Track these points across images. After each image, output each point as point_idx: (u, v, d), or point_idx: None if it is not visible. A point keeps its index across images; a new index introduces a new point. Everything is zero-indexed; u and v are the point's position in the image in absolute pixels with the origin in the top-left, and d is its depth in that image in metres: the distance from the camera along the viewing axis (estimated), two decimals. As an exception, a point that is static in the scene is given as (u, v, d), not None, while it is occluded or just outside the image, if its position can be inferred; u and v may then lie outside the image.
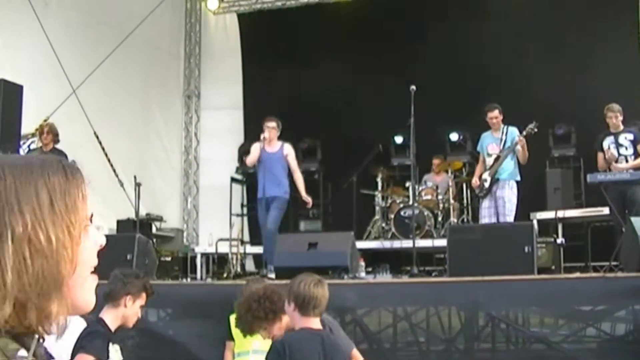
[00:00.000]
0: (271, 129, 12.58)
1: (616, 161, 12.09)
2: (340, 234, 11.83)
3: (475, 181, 12.80)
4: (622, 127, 12.23)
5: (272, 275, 11.38)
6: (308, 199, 12.85)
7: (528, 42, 16.36)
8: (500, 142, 12.49)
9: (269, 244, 12.11)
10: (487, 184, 12.46)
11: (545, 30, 16.36)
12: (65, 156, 12.51)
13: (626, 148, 12.12)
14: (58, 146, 12.59)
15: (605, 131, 12.37)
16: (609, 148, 12.13)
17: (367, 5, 17.57)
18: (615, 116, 12.15)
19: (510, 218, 12.17)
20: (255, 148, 12.68)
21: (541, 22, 16.48)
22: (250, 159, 12.74)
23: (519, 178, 12.52)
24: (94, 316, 5.43)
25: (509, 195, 12.32)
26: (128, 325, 5.63)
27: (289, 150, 12.78)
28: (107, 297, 5.45)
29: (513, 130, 12.47)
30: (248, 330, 5.63)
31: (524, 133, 12.24)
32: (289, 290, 5.32)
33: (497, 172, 12.41)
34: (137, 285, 5.60)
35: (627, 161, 12.09)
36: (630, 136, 12.17)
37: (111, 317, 5.47)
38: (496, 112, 12.48)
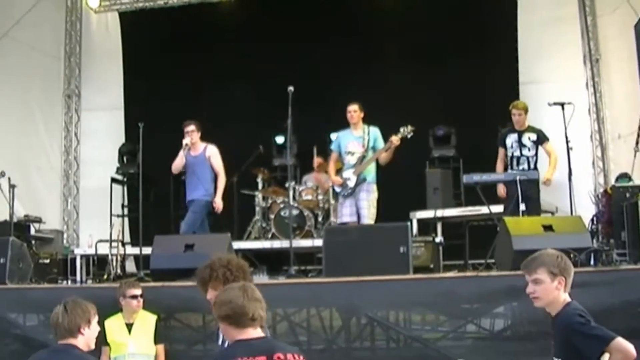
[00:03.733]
0: (191, 132, 12.60)
1: (518, 162, 12.24)
2: (216, 235, 11.86)
3: (337, 179, 12.68)
4: (527, 126, 12.37)
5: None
6: (218, 205, 12.75)
7: (407, 44, 16.37)
8: (363, 141, 12.49)
9: None
10: (351, 183, 12.42)
11: (423, 31, 16.38)
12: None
13: (529, 149, 12.27)
14: None
15: (508, 127, 12.49)
16: (511, 147, 12.29)
17: (249, 5, 17.54)
18: (519, 114, 12.25)
19: (371, 221, 12.21)
20: (180, 155, 12.62)
21: (419, 24, 16.51)
22: (175, 167, 12.69)
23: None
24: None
25: (372, 198, 12.39)
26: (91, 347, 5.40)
27: (211, 151, 12.77)
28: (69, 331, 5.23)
29: (375, 131, 12.54)
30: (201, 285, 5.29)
31: (399, 135, 12.25)
32: None
33: (362, 172, 12.40)
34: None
35: (528, 162, 12.21)
36: (534, 136, 12.30)
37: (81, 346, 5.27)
38: (355, 106, 12.56)
